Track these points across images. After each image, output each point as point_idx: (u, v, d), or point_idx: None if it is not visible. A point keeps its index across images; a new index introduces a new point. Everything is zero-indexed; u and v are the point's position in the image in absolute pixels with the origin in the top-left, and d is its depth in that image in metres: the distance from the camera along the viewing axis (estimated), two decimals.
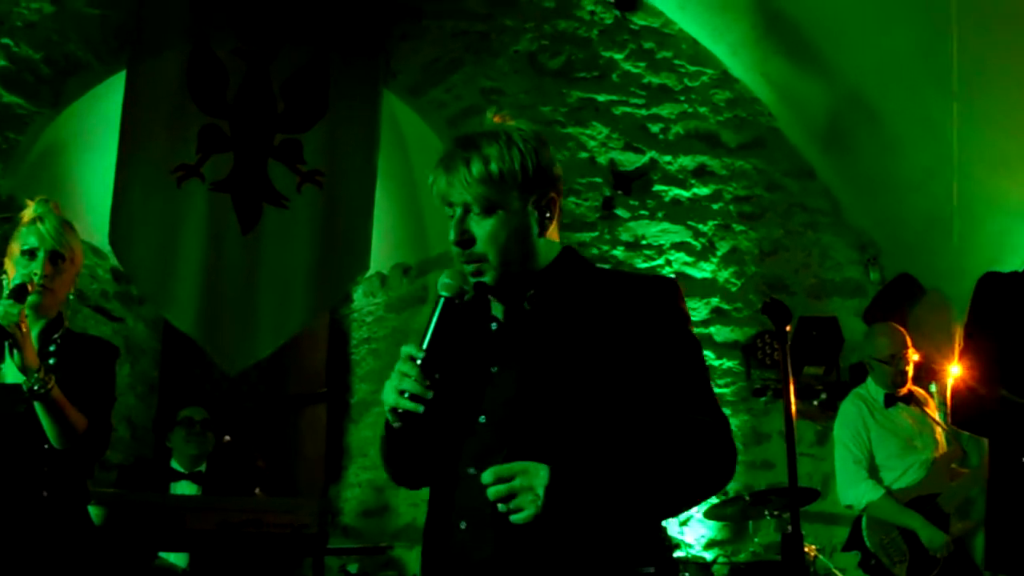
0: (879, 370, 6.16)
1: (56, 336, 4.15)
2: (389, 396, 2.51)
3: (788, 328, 4.28)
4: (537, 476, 2.39)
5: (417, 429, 2.57)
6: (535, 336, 2.63)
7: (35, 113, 6.96)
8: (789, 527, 6.47)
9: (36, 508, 3.95)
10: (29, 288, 3.95)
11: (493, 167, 2.59)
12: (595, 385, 2.55)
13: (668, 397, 2.56)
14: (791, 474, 4.25)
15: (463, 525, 2.57)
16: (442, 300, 2.60)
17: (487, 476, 2.41)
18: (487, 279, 2.62)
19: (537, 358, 2.60)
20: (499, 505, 2.41)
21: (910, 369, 6.13)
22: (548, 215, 2.68)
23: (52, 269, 4.07)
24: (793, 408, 4.20)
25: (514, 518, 2.39)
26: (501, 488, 2.40)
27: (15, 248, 4.10)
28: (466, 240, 2.61)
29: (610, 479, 2.45)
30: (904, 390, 6.13)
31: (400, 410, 2.49)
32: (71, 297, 4.31)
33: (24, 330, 3.82)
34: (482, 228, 2.60)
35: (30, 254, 4.05)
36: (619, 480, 2.46)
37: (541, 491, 2.37)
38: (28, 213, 4.14)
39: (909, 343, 6.16)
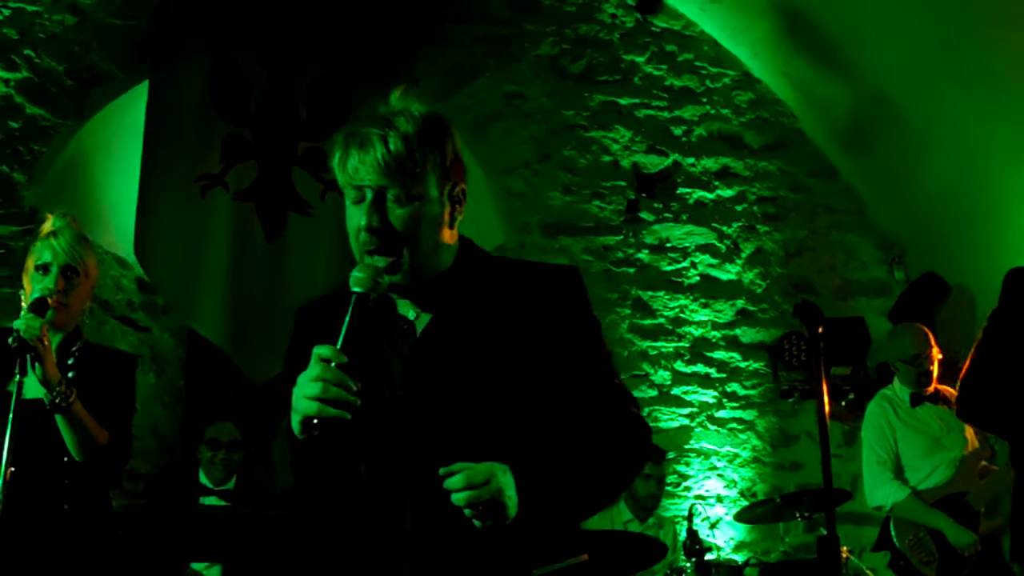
0: (904, 370, 6.14)
1: (75, 349, 4.16)
2: (305, 404, 2.22)
3: (820, 330, 4.25)
4: (505, 479, 2.27)
5: (333, 439, 2.31)
6: (453, 339, 2.46)
7: (59, 125, 6.98)
8: (822, 529, 6.48)
9: (57, 521, 3.97)
10: (49, 302, 3.96)
11: (415, 148, 2.40)
12: (517, 386, 2.42)
13: (584, 389, 2.49)
14: (826, 476, 4.23)
15: (408, 526, 2.40)
16: (354, 297, 2.35)
17: (456, 481, 2.23)
18: (398, 278, 2.42)
19: (458, 363, 2.44)
20: (466, 510, 2.25)
21: (935, 368, 6.10)
22: (459, 206, 2.53)
23: (65, 284, 4.07)
24: (827, 408, 4.19)
25: (482, 523, 2.27)
26: (471, 493, 2.24)
27: (30, 263, 4.12)
28: (379, 229, 2.39)
29: (559, 477, 2.37)
30: (930, 389, 6.10)
31: (318, 419, 2.21)
32: (88, 310, 4.32)
33: (46, 343, 3.83)
34: (397, 217, 2.40)
35: (43, 269, 4.07)
36: (566, 478, 2.39)
37: (513, 494, 2.27)
38: (45, 227, 4.17)
39: (933, 342, 6.14)
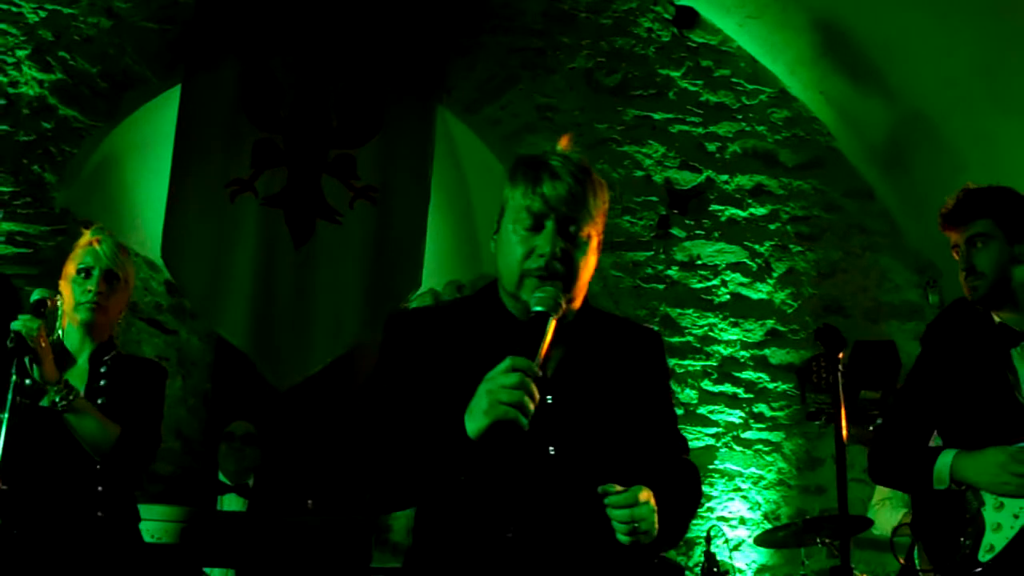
0: None
1: (107, 358, 4.18)
2: (500, 408, 2.32)
3: (841, 355, 4.18)
4: (650, 501, 2.46)
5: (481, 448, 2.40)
6: (583, 374, 2.66)
7: (91, 126, 7.02)
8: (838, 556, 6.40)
9: (92, 529, 3.97)
10: (48, 304, 4.00)
11: (593, 192, 2.63)
12: (625, 425, 2.67)
13: (661, 435, 2.79)
14: (841, 503, 4.17)
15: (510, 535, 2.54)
16: (550, 320, 2.48)
17: (620, 499, 2.41)
18: (561, 308, 2.54)
19: (587, 396, 2.64)
20: (620, 526, 2.41)
21: None
22: (596, 258, 2.71)
23: (107, 287, 4.14)
24: (845, 434, 4.12)
25: (631, 540, 2.43)
26: (632, 512, 2.41)
27: (71, 268, 4.17)
28: (561, 257, 2.57)
29: (671, 510, 2.56)
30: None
31: (505, 423, 2.32)
32: (123, 320, 4.35)
33: (44, 344, 3.85)
34: (572, 249, 2.60)
35: (86, 273, 4.14)
36: (673, 511, 2.57)
37: (654, 516, 2.45)
38: (85, 238, 4.21)
39: None
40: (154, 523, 4.96)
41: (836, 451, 3.96)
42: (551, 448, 2.57)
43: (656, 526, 2.46)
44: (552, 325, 2.48)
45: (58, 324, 4.15)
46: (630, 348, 2.78)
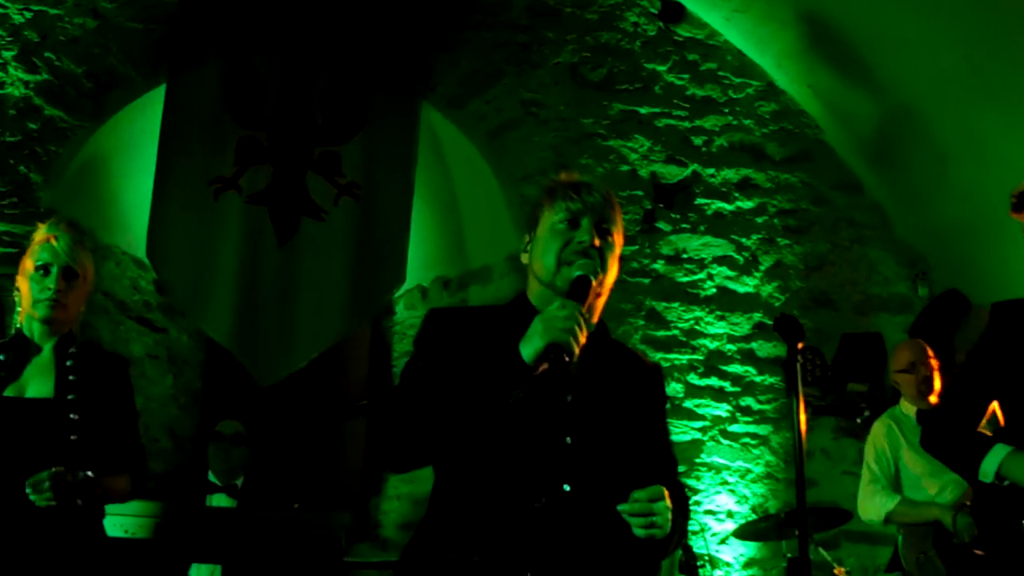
0: (904, 384, 6.08)
1: (72, 351, 4.20)
2: (557, 333, 2.57)
3: (800, 345, 4.16)
4: (667, 500, 2.65)
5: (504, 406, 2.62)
6: (601, 380, 2.91)
7: (76, 126, 7.02)
8: (821, 549, 6.39)
9: (50, 521, 3.97)
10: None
11: (619, 211, 3.00)
12: (634, 433, 2.93)
13: (658, 455, 3.02)
14: (799, 496, 4.15)
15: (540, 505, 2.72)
16: (590, 283, 2.80)
17: (643, 493, 2.60)
18: (599, 278, 2.85)
19: (604, 398, 2.89)
20: (638, 519, 2.58)
21: (935, 376, 6.01)
22: (609, 287, 2.97)
23: (65, 285, 4.15)
24: (803, 428, 4.10)
25: (651, 532, 2.59)
26: (652, 505, 2.59)
27: (29, 265, 4.17)
28: (598, 248, 2.87)
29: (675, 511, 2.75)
30: (935, 401, 5.98)
31: (561, 347, 2.55)
32: (83, 314, 4.37)
33: None
34: (603, 245, 2.90)
35: (44, 270, 4.14)
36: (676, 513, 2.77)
37: (669, 514, 2.64)
38: (41, 233, 4.22)
39: (930, 352, 6.06)
40: (127, 518, 4.98)
41: (794, 444, 3.93)
42: (568, 438, 2.78)
43: (670, 524, 2.65)
44: (591, 295, 2.80)
45: (15, 319, 4.18)
46: (638, 373, 3.05)
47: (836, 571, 5.92)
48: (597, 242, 2.86)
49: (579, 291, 2.75)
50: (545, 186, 3.05)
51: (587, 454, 2.79)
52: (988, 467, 3.73)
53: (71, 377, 4.14)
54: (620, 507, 2.60)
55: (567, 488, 2.73)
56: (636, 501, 2.59)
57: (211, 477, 6.87)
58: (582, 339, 2.59)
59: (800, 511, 4.15)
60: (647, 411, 3.01)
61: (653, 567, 2.92)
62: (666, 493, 2.64)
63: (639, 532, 2.58)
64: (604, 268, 2.88)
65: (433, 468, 2.88)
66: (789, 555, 6.44)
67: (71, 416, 4.07)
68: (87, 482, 3.94)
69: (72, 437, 4.05)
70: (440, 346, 2.86)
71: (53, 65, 7.01)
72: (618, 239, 2.96)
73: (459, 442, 2.71)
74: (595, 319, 2.95)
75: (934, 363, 6.03)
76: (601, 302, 2.97)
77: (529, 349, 2.59)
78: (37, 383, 4.07)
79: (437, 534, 2.77)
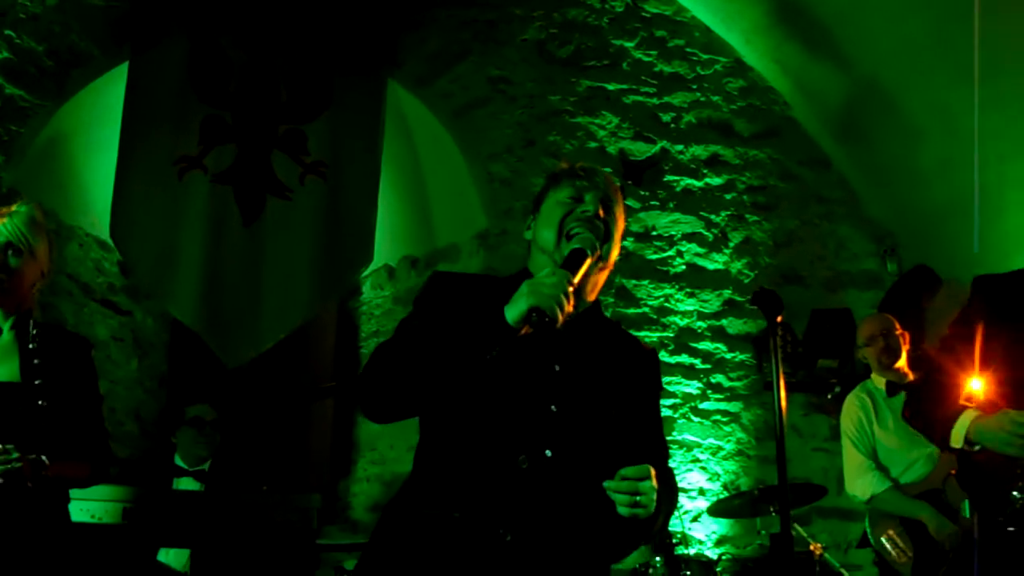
0: (870, 355, 6.06)
1: (33, 332, 4.13)
2: (541, 298, 2.58)
3: (779, 319, 4.12)
4: (652, 480, 2.62)
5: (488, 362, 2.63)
6: (593, 355, 2.91)
7: (37, 105, 6.91)
8: (796, 526, 6.38)
9: (20, 502, 3.91)
10: None
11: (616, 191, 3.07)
12: (623, 411, 2.88)
13: (650, 439, 2.99)
14: (780, 472, 4.10)
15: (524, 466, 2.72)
16: (586, 257, 2.80)
17: (632, 471, 2.58)
18: (596, 253, 2.87)
19: (594, 372, 2.87)
20: (622, 496, 2.56)
21: (901, 345, 5.99)
22: (609, 268, 3.01)
23: (3, 261, 4.06)
24: (784, 403, 4.03)
25: (635, 512, 2.57)
26: (639, 484, 2.58)
27: None
28: (603, 218, 2.92)
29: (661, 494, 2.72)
30: (909, 374, 5.97)
31: (545, 311, 2.56)
32: (38, 293, 4.29)
33: None
34: (612, 224, 2.96)
35: None
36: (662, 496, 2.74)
37: (654, 494, 2.61)
38: (3, 212, 4.15)
39: (896, 324, 6.05)
40: (95, 503, 4.90)
41: (775, 419, 3.89)
42: (553, 406, 2.77)
43: (654, 505, 2.61)
44: (585, 266, 2.78)
45: None
46: (632, 356, 3.03)
47: (812, 547, 5.89)
48: (602, 213, 2.91)
49: (574, 262, 2.76)
50: (550, 172, 3.11)
51: (571, 423, 2.77)
52: (957, 433, 3.74)
53: (35, 361, 4.07)
54: (606, 483, 2.59)
55: (549, 453, 2.72)
56: (623, 479, 2.58)
57: (178, 460, 6.77)
58: (568, 307, 2.60)
59: (782, 486, 4.09)
60: (639, 394, 2.98)
61: (632, 547, 2.89)
62: (653, 473, 2.62)
63: (623, 510, 2.57)
64: (605, 242, 2.91)
65: (419, 426, 2.89)
66: (763, 531, 6.45)
67: (39, 403, 4.00)
68: (35, 464, 3.87)
69: (41, 424, 3.98)
70: (437, 306, 2.88)
71: (13, 43, 6.88)
72: (620, 222, 3.02)
73: (439, 396, 2.72)
74: (594, 296, 3.00)
75: (901, 333, 6.03)
76: (602, 278, 3.00)
77: (513, 311, 2.61)
78: (6, 367, 4.00)
79: (420, 491, 2.77)
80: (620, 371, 2.95)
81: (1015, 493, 3.69)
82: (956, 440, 3.76)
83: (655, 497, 2.62)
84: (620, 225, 3.02)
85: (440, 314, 2.82)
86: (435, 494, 2.74)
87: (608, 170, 3.21)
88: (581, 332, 2.90)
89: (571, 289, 2.63)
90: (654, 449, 2.98)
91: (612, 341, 3.03)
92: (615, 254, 3.00)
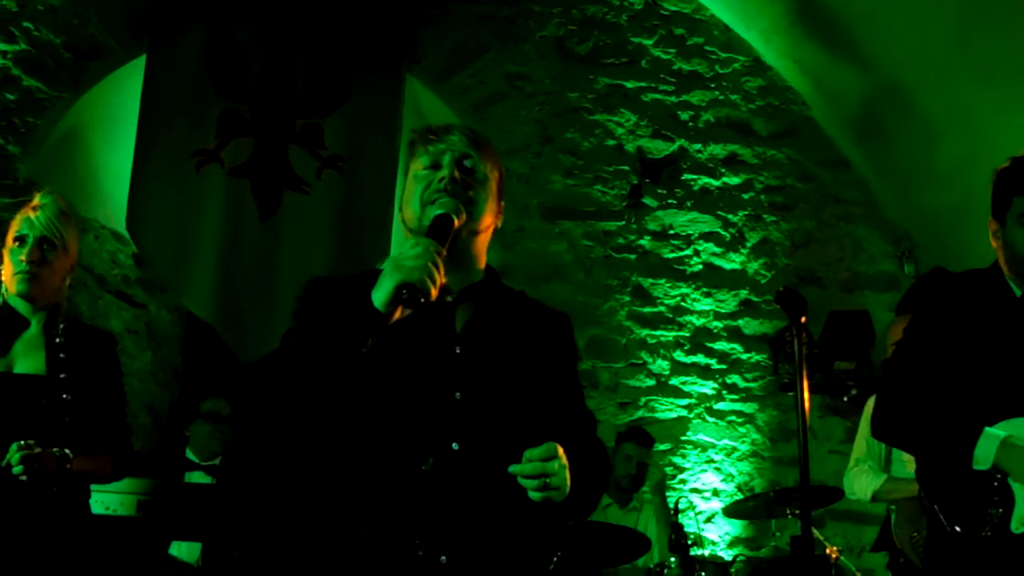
0: None
1: (60, 327, 4.12)
2: (407, 271, 2.36)
3: (803, 319, 4.09)
4: (561, 459, 2.45)
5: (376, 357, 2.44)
6: (493, 329, 2.72)
7: (55, 97, 6.93)
8: (811, 527, 6.34)
9: (45, 503, 3.90)
10: None
11: (490, 146, 2.81)
12: (533, 390, 2.69)
13: (568, 410, 2.80)
14: (803, 473, 4.08)
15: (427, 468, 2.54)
16: (452, 221, 2.58)
17: (536, 452, 2.42)
18: (462, 217, 2.64)
19: (498, 352, 2.69)
20: (530, 481, 2.41)
21: None
22: (494, 229, 2.82)
23: (39, 256, 4.02)
24: (807, 403, 4.03)
25: (548, 495, 2.42)
26: (543, 466, 2.41)
27: (10, 237, 4.08)
28: (459, 180, 2.67)
29: (583, 475, 2.57)
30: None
31: (414, 286, 2.35)
32: (68, 287, 4.27)
33: None
34: (477, 184, 2.72)
35: (20, 241, 4.04)
36: (584, 477, 2.59)
37: (566, 473, 2.45)
38: (27, 205, 4.14)
39: None
40: (109, 495, 4.90)
41: (798, 418, 3.86)
42: (457, 393, 2.58)
43: (568, 484, 2.46)
44: (454, 230, 2.57)
45: (3, 290, 4.09)
46: (539, 323, 2.83)
47: (828, 550, 5.86)
48: (458, 175, 2.66)
49: (439, 230, 2.53)
50: (408, 140, 2.87)
51: (478, 410, 2.59)
52: (985, 455, 3.52)
53: (62, 355, 4.06)
54: (512, 468, 2.42)
55: (456, 447, 2.54)
56: (528, 461, 2.41)
57: (189, 454, 6.75)
58: (440, 278, 2.39)
59: (803, 488, 4.10)
60: (551, 363, 2.78)
61: (554, 532, 2.70)
62: (560, 451, 2.45)
63: (534, 495, 2.42)
64: (472, 205, 2.68)
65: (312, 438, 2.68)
66: (778, 533, 6.42)
67: (64, 396, 3.99)
68: (60, 458, 3.86)
69: (65, 418, 3.97)
70: (314, 314, 2.67)
71: (31, 35, 6.90)
72: (492, 175, 2.77)
73: (323, 402, 2.50)
74: (481, 264, 2.80)
75: None
76: (482, 243, 2.78)
77: (380, 293, 2.38)
78: (26, 359, 3.99)
79: (323, 509, 2.61)
80: (528, 342, 2.75)
81: (993, 509, 3.54)
82: (980, 462, 3.55)
83: (566, 476, 2.46)
84: (492, 182, 2.77)
85: (315, 320, 2.60)
86: (339, 511, 2.57)
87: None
88: (479, 306, 2.73)
89: (440, 259, 2.40)
90: (575, 421, 2.80)
91: (515, 311, 2.81)
92: (491, 209, 2.77)
